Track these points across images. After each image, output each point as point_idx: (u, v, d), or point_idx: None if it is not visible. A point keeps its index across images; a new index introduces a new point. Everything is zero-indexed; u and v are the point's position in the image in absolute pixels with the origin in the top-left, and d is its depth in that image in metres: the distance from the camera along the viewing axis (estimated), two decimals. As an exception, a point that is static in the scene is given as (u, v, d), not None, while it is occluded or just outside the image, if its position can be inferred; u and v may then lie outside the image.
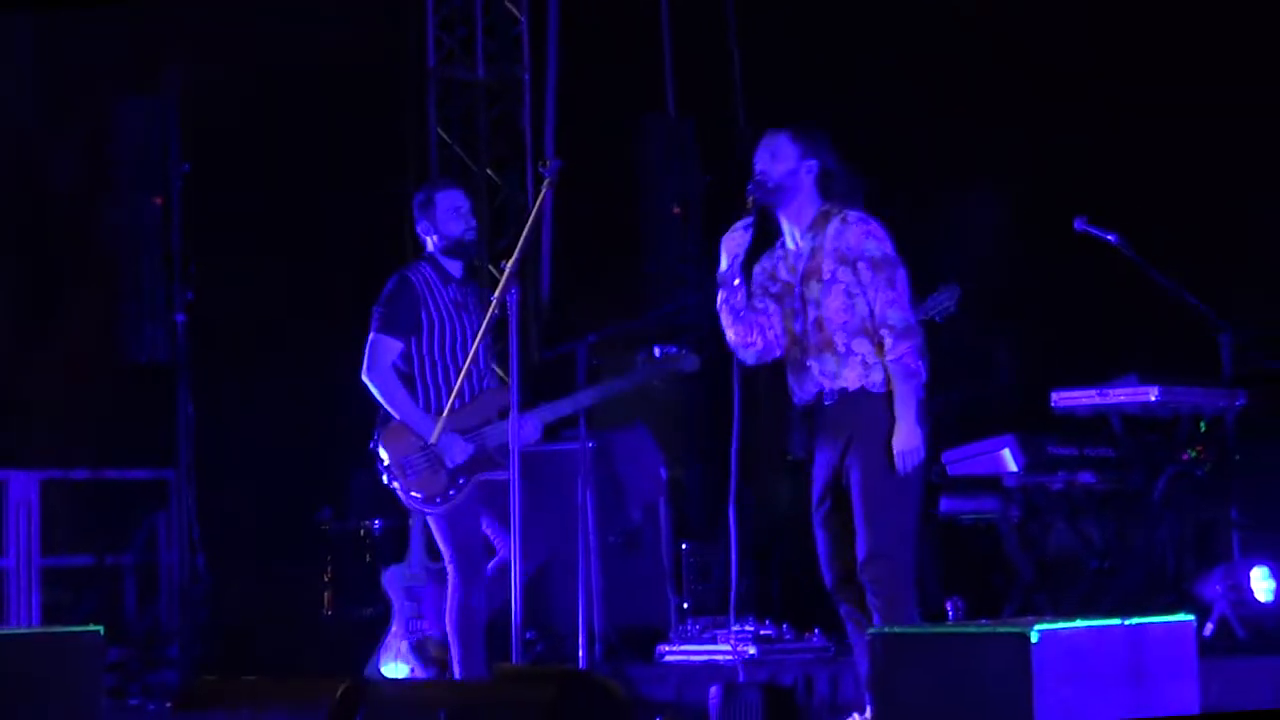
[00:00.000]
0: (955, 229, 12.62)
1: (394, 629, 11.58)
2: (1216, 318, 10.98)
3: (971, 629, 7.21)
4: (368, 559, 12.62)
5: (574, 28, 14.32)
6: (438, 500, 9.80)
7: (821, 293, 8.43)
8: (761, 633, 11.46)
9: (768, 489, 13.10)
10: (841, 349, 8.39)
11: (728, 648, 11.39)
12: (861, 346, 8.38)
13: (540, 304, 13.77)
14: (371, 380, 9.93)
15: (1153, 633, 7.06)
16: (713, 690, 7.04)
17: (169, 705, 8.11)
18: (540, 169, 8.84)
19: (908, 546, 8.34)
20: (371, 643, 11.60)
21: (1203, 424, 11.22)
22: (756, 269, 8.71)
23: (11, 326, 13.13)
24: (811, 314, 8.46)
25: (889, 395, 8.36)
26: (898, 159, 12.90)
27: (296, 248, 13.19)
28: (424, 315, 9.84)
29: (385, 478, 9.90)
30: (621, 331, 11.64)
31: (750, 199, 8.51)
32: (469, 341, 9.74)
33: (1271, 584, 11.05)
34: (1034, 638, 6.45)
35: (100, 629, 8.80)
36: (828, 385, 8.45)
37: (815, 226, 8.53)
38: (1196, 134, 12.33)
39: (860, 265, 8.36)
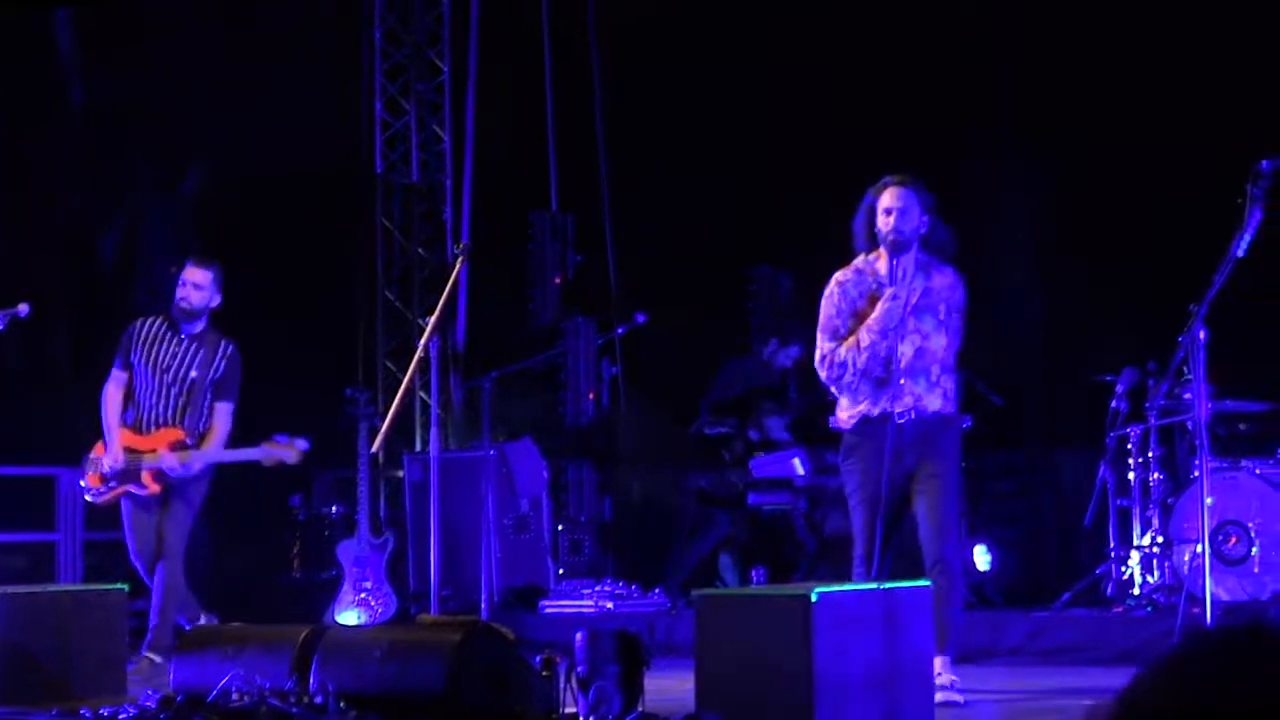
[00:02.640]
0: (762, 302, 12.60)
1: (345, 588, 11.48)
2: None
3: (768, 591, 7.17)
4: (327, 535, 12.53)
5: (484, 144, 14.24)
6: (90, 494, 9.69)
7: (933, 328, 7.66)
8: (617, 591, 11.40)
9: (624, 484, 13.08)
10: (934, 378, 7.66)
11: (592, 602, 11.35)
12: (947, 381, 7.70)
13: (457, 349, 13.66)
14: (101, 396, 9.71)
15: (901, 594, 7.01)
16: (578, 634, 6.91)
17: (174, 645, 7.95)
18: (456, 250, 8.73)
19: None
20: (329, 598, 11.51)
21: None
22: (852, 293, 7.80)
23: (62, 364, 13.00)
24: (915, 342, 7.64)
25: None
26: (725, 240, 12.92)
27: (275, 301, 13.07)
28: (135, 355, 9.62)
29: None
30: (516, 370, 11.59)
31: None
32: (172, 381, 9.58)
33: (988, 557, 11.06)
34: (814, 598, 6.39)
35: (125, 586, 8.63)
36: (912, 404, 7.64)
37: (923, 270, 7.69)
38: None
39: (955, 315, 7.66)
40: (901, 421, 7.59)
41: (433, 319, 8.47)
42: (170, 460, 9.47)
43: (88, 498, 9.87)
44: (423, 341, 8.53)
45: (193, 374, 9.63)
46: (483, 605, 10.94)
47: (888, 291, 7.61)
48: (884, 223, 7.66)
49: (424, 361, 8.52)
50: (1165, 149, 11.11)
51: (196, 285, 9.61)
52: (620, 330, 11.94)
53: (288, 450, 9.76)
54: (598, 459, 13.20)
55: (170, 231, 13.41)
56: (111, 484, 9.62)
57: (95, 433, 9.69)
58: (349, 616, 11.31)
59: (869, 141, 12.65)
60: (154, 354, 9.65)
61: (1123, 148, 11.34)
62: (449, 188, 14.40)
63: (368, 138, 14.48)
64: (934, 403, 7.64)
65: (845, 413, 7.84)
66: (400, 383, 9.81)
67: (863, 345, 7.65)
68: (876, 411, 7.69)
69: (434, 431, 8.63)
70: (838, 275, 7.84)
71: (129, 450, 9.56)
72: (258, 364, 12.21)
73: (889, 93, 12.64)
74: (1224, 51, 11.12)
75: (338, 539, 11.80)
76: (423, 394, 13.59)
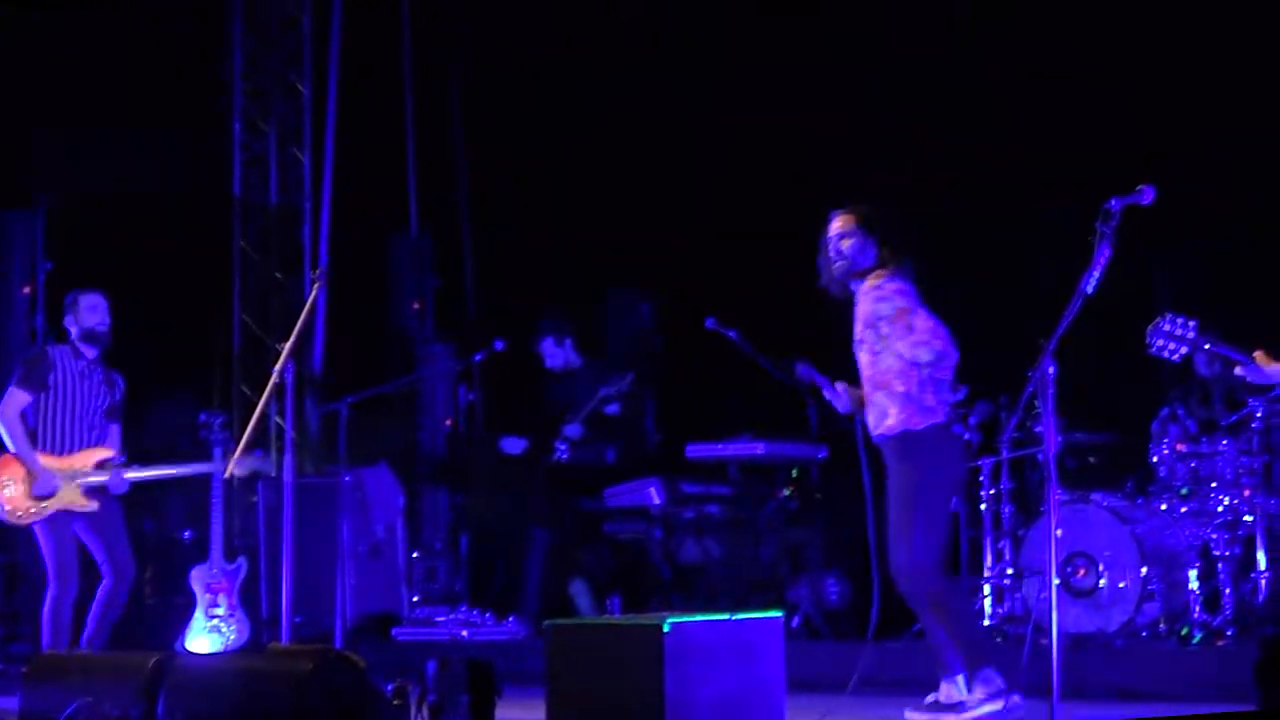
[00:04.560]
0: (621, 328, 12.64)
1: (197, 613, 11.38)
2: (807, 393, 11.05)
3: (620, 621, 7.18)
4: (179, 559, 12.43)
5: (344, 167, 14.19)
6: (19, 516, 9.65)
7: (870, 349, 7.92)
8: (471, 619, 11.37)
9: (480, 511, 13.06)
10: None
11: (445, 629, 11.34)
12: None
13: (313, 374, 13.58)
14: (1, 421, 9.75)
15: (752, 625, 7.06)
16: (429, 663, 6.91)
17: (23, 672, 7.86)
18: (314, 275, 8.71)
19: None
20: (181, 623, 11.40)
21: (795, 470, 11.30)
22: None
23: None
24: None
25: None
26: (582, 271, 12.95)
27: (132, 322, 12.93)
28: (52, 379, 9.73)
29: None
30: (373, 395, 11.53)
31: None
32: (85, 405, 9.73)
33: (840, 588, 11.15)
34: (666, 628, 6.42)
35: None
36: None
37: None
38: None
39: (882, 324, 7.81)
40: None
41: (289, 344, 8.42)
42: (116, 476, 9.78)
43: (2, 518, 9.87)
44: (278, 367, 8.47)
45: (103, 399, 9.89)
46: (336, 632, 10.87)
47: None
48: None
49: (279, 386, 8.47)
50: (1018, 186, 11.27)
51: (107, 311, 9.92)
52: (478, 357, 11.90)
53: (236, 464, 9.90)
54: (453, 486, 13.17)
55: (22, 250, 13.22)
56: (43, 504, 9.71)
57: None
58: (201, 642, 11.20)
59: (727, 172, 12.77)
60: (69, 381, 9.84)
61: (975, 184, 11.49)
62: (308, 211, 14.33)
63: (227, 159, 14.39)
64: (886, 421, 7.78)
65: None
66: (255, 405, 9.77)
67: None
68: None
69: (288, 456, 8.59)
70: None
71: (60, 470, 9.70)
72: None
73: (743, 124, 12.73)
74: (1074, 90, 11.29)
75: (190, 563, 11.69)
76: (278, 419, 13.50)
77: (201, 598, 11.35)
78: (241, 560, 11.45)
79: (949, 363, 7.78)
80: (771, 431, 11.17)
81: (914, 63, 11.92)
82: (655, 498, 11.37)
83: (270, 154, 14.44)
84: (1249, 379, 7.50)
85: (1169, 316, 7.39)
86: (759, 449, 11.07)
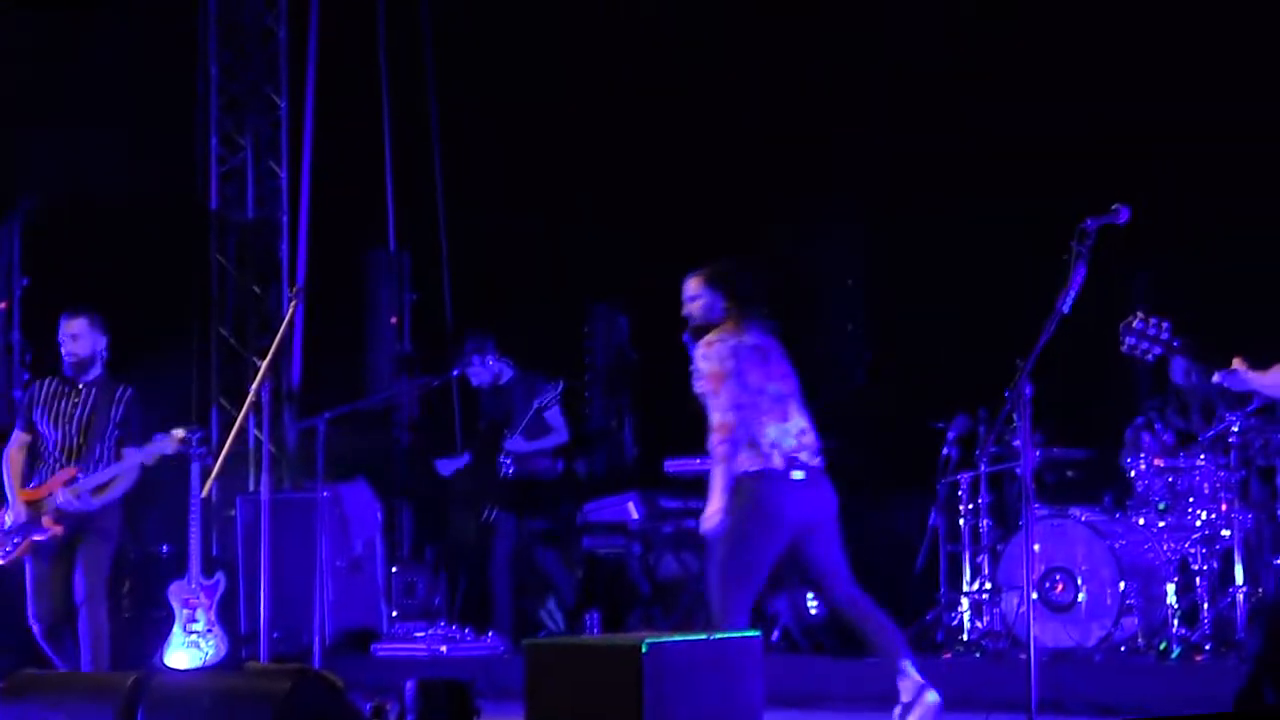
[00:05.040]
0: (598, 341, 12.65)
1: (175, 628, 11.39)
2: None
3: (598, 641, 7.19)
4: (157, 574, 12.42)
5: (321, 181, 14.18)
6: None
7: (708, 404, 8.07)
8: (450, 635, 11.37)
9: (460, 531, 13.05)
10: None
11: (425, 646, 11.33)
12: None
13: (292, 390, 13.57)
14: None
15: (731, 644, 7.06)
16: (407, 684, 6.92)
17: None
18: (291, 292, 8.70)
19: None
20: (159, 638, 11.40)
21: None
22: None
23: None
24: None
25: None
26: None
27: (111, 337, 12.90)
28: (35, 414, 9.69)
29: None
30: (351, 410, 11.54)
31: None
32: (61, 429, 9.63)
33: (819, 602, 11.14)
34: (644, 649, 6.43)
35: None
36: None
37: None
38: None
39: (704, 381, 8.01)
40: None
41: (266, 360, 8.42)
42: (64, 494, 9.52)
43: None
44: (255, 384, 8.47)
45: (89, 417, 9.69)
46: (315, 648, 10.87)
47: None
48: None
49: (257, 402, 8.47)
50: (999, 206, 11.30)
51: (74, 336, 9.71)
52: (456, 371, 11.90)
53: (166, 443, 9.75)
54: (431, 500, 13.16)
55: (-1, 263, 13.22)
56: (15, 539, 9.59)
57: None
58: (179, 657, 11.21)
59: (706, 189, 12.80)
60: (54, 410, 9.73)
61: (962, 202, 11.52)
62: (285, 224, 14.32)
63: (203, 172, 14.38)
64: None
65: None
66: (234, 421, 9.75)
67: None
68: None
69: (265, 473, 8.59)
70: None
71: (29, 503, 9.58)
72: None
73: (725, 142, 12.77)
74: (1053, 111, 11.34)
75: (168, 579, 11.69)
76: (257, 433, 13.48)
77: (180, 613, 11.36)
78: (220, 575, 11.46)
79: (740, 436, 7.88)
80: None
81: (907, 73, 11.97)
82: (634, 512, 11.39)
83: (247, 167, 14.43)
84: (1227, 385, 7.53)
85: (1141, 316, 7.41)
86: (739, 463, 11.07)
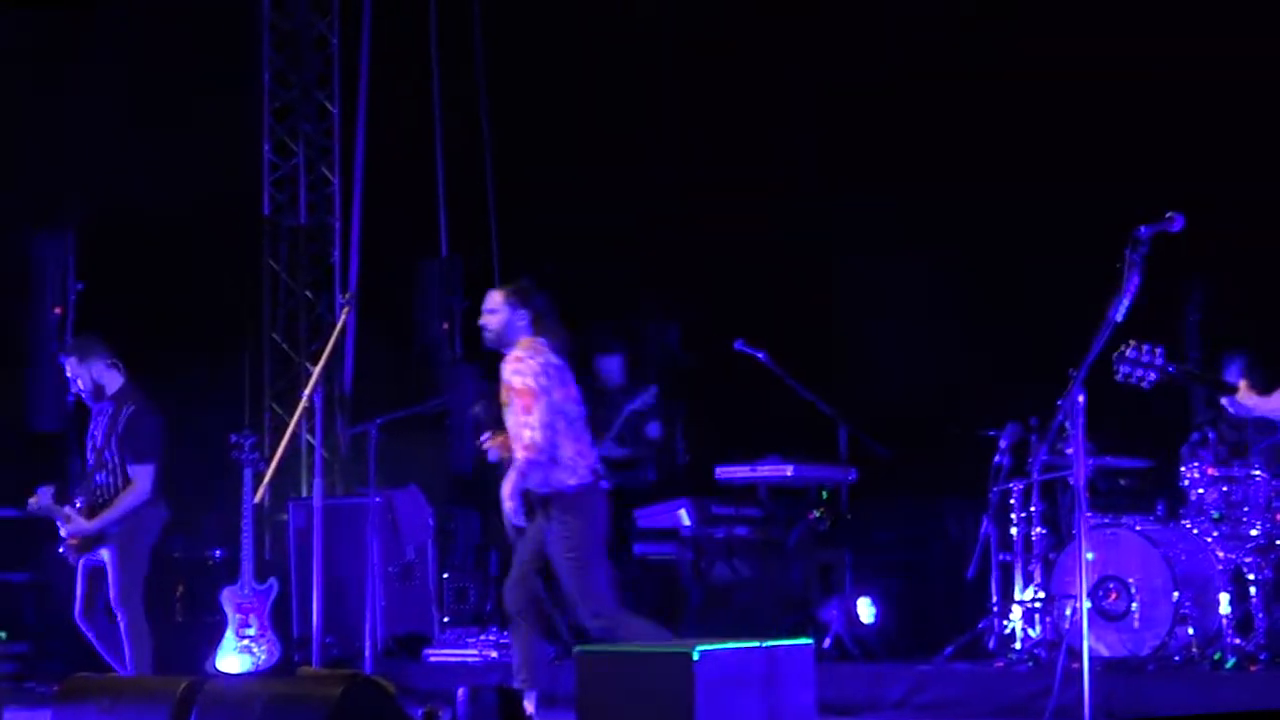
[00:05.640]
0: (650, 348, 12.64)
1: (228, 633, 11.45)
2: (836, 415, 11.08)
3: (650, 649, 7.21)
4: (210, 579, 12.49)
5: (373, 186, 14.24)
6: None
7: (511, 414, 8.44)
8: (501, 641, 11.40)
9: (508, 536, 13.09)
10: None
11: (476, 651, 11.36)
12: None
13: (344, 396, 13.63)
14: None
15: (782, 652, 7.08)
16: (459, 690, 6.95)
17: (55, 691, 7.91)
18: (344, 298, 8.77)
19: None
20: (211, 643, 11.46)
21: (825, 492, 11.32)
22: None
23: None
24: None
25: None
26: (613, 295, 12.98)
27: (161, 343, 12.99)
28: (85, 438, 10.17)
29: None
30: (401, 415, 11.59)
31: None
32: (93, 451, 10.03)
33: (872, 610, 11.15)
34: (696, 656, 6.44)
35: (2, 634, 8.60)
36: None
37: None
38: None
39: (511, 394, 8.38)
40: None
41: (318, 366, 8.47)
42: (60, 519, 10.01)
43: None
44: (307, 390, 8.53)
45: (99, 441, 10.04)
46: (366, 653, 10.92)
47: None
48: None
49: (309, 407, 8.53)
50: (1053, 212, 11.27)
51: (70, 377, 10.21)
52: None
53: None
54: (483, 506, 13.18)
55: (53, 271, 13.28)
56: (59, 548, 10.16)
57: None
58: (231, 662, 11.27)
59: (754, 196, 12.78)
60: (85, 435, 10.24)
61: (1016, 209, 11.49)
62: (337, 230, 14.38)
63: (256, 179, 14.45)
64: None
65: None
66: (287, 425, 9.82)
67: None
68: None
69: (318, 478, 8.65)
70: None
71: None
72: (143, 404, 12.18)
73: (773, 149, 12.76)
74: (1106, 116, 11.31)
75: (221, 583, 11.75)
76: (309, 437, 13.54)
77: (232, 618, 11.42)
78: (273, 581, 11.52)
79: (545, 455, 8.21)
80: (800, 453, 11.20)
81: (943, 79, 11.95)
82: (685, 519, 11.40)
83: (299, 173, 14.50)
84: (1231, 410, 7.53)
85: (1134, 344, 7.42)
86: (788, 471, 11.09)
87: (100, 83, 13.71)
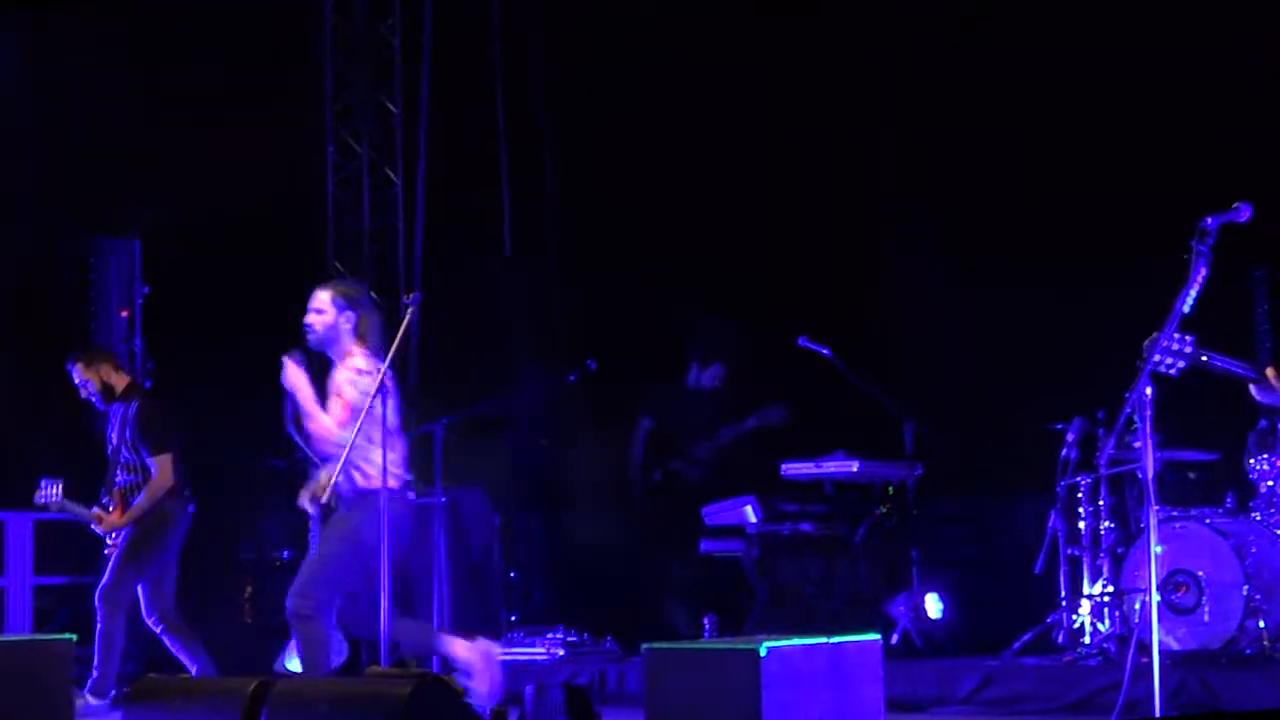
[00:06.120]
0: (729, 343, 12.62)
1: (296, 634, 11.50)
2: (901, 411, 11.06)
3: (717, 645, 7.21)
4: (277, 581, 12.54)
5: (437, 188, 14.27)
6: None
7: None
8: (568, 639, 11.42)
9: (576, 530, 13.15)
10: None
11: (544, 650, 11.38)
12: None
13: (409, 396, 13.65)
14: None
15: (849, 648, 7.07)
16: (527, 689, 6.96)
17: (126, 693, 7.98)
18: (405, 299, 8.80)
19: None
20: (279, 644, 11.51)
21: (890, 488, 11.30)
22: None
23: (15, 403, 12.98)
24: None
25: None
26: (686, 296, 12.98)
27: (229, 345, 13.06)
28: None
29: None
30: (466, 416, 11.62)
31: None
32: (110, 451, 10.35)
33: (940, 605, 11.13)
34: (762, 652, 6.44)
35: (73, 637, 8.66)
36: None
37: None
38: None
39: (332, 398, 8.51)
40: None
41: (381, 369, 8.50)
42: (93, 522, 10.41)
43: None
44: (372, 390, 8.55)
45: (114, 442, 10.36)
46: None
47: None
48: None
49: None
50: (1119, 205, 11.21)
51: (80, 381, 10.47)
52: (572, 377, 11.96)
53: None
54: (549, 505, 13.22)
55: (119, 275, 13.37)
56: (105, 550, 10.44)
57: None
58: (299, 664, 11.30)
59: (822, 198, 12.75)
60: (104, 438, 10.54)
61: (1082, 202, 11.44)
62: (401, 231, 14.41)
63: (319, 181, 14.50)
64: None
65: None
66: (351, 429, 9.84)
67: None
68: None
69: (384, 479, 8.66)
70: None
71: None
72: (209, 407, 12.26)
73: (843, 151, 12.72)
74: (1172, 107, 11.24)
75: (288, 584, 11.80)
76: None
77: (301, 618, 11.47)
78: (339, 580, 11.56)
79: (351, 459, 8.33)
80: (866, 449, 11.18)
81: (1012, 76, 11.90)
82: (752, 516, 11.40)
83: (363, 174, 14.54)
84: (1259, 399, 7.46)
85: (1168, 333, 7.37)
86: (854, 467, 11.07)
87: (163, 87, 13.77)
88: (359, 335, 8.62)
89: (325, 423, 8.35)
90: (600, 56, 13.70)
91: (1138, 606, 9.59)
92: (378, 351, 8.56)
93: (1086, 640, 10.04)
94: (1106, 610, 10.08)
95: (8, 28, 13.64)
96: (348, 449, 8.20)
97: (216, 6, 13.91)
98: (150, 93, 13.76)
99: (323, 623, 8.41)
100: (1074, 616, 10.22)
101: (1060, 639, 10.20)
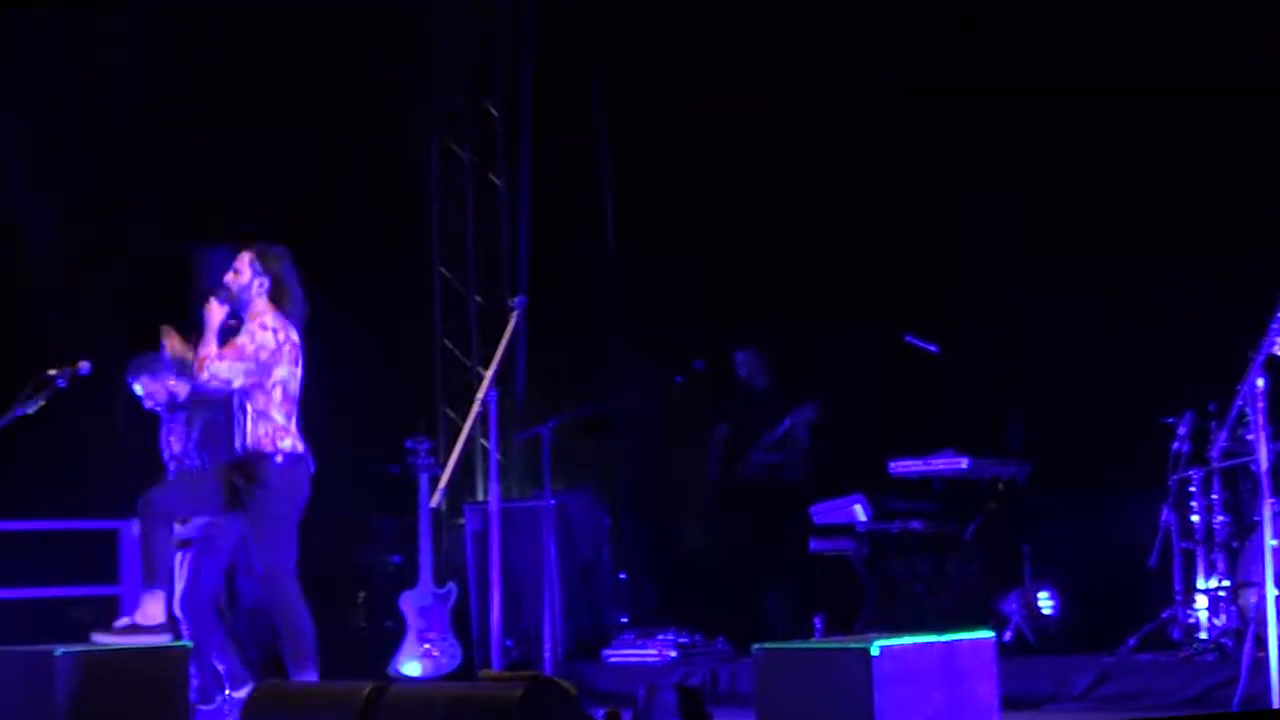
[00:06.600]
0: (814, 358, 12.59)
1: (409, 638, 11.58)
2: (1010, 407, 11.02)
3: (829, 645, 7.21)
4: (388, 584, 12.66)
5: (540, 193, 14.32)
6: None
7: None
8: (680, 640, 11.44)
9: (685, 536, 13.17)
10: None
11: (655, 651, 11.40)
12: None
13: (516, 399, 13.72)
14: None
15: (962, 646, 7.05)
16: (639, 690, 6.99)
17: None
18: (510, 303, 8.85)
19: None
20: (392, 648, 11.61)
21: (1000, 484, 11.25)
22: None
23: (131, 414, 13.18)
24: None
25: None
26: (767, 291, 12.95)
27: (338, 351, 13.16)
28: None
29: None
30: (576, 418, 11.67)
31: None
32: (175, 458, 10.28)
33: (1052, 602, 11.06)
34: (875, 651, 6.44)
35: (190, 644, 8.75)
36: None
37: None
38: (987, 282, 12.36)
39: None
40: None
41: (490, 370, 8.55)
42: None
43: None
44: (480, 395, 8.60)
45: (176, 450, 10.28)
46: (546, 656, 11.00)
47: None
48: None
49: (483, 412, 8.61)
50: (1228, 192, 11.09)
51: (146, 393, 10.35)
52: (680, 378, 12.00)
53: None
54: (658, 506, 13.25)
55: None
56: None
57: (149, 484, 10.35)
58: (412, 667, 11.41)
59: (886, 220, 12.66)
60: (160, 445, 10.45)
61: (1188, 189, 11.33)
62: (505, 233, 14.48)
63: (424, 186, 14.59)
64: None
65: None
66: (459, 429, 9.91)
67: None
68: None
69: (494, 482, 8.72)
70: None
71: None
72: (317, 412, 12.36)
73: (910, 169, 12.61)
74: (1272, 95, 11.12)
75: (400, 588, 11.90)
76: (483, 441, 13.65)
77: (413, 623, 11.56)
78: (451, 585, 11.65)
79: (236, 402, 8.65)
80: (975, 446, 11.14)
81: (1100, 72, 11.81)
82: (861, 514, 11.38)
83: (466, 179, 14.62)
84: None
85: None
86: (963, 464, 11.03)
87: (261, 93, 13.87)
88: (273, 299, 8.77)
89: (203, 354, 8.53)
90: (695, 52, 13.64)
91: (1254, 600, 9.49)
92: (292, 319, 8.75)
93: (1203, 635, 9.95)
94: (1222, 605, 9.99)
95: (115, 25, 13.70)
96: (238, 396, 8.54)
97: (315, 5, 13.97)
98: (255, 97, 13.86)
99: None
100: (1189, 612, 10.13)
101: (1176, 635, 10.12)
